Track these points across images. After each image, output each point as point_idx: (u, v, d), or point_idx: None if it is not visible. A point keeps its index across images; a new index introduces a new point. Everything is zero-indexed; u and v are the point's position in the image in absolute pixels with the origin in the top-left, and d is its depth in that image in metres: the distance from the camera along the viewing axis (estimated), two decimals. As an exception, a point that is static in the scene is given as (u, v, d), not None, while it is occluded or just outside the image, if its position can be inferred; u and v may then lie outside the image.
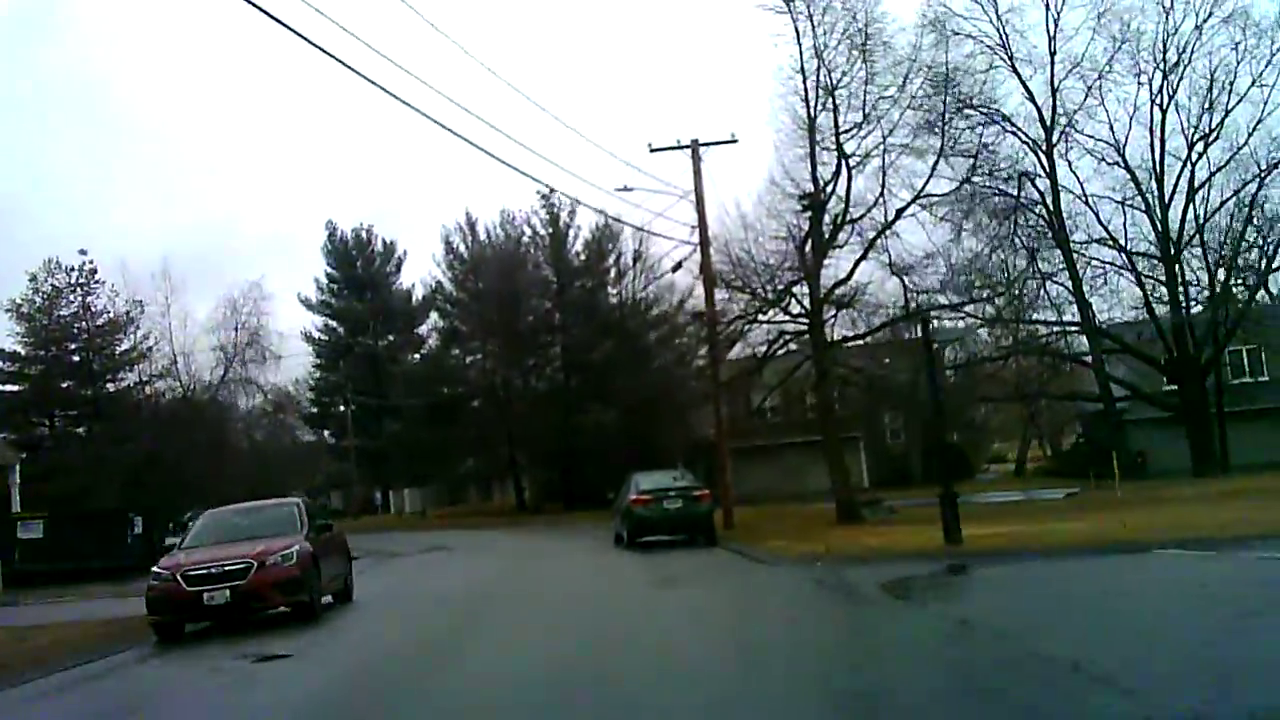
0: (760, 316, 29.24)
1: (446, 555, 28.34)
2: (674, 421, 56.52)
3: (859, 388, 32.62)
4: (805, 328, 28.91)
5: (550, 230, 57.37)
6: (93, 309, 46.65)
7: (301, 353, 64.18)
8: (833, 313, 28.85)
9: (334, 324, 69.63)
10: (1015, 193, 33.54)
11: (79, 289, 46.38)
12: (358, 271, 70.19)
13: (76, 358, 46.10)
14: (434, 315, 64.51)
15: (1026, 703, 6.95)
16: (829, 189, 27.50)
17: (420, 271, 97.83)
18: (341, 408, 64.58)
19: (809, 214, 27.30)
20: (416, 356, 65.45)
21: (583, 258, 57.29)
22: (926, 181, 27.41)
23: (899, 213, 26.88)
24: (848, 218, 27.41)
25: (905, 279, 27.00)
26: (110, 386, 46.25)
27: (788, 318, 29.28)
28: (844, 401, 45.89)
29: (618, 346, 56.23)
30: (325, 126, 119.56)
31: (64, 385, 46.03)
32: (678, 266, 27.84)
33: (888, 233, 27.07)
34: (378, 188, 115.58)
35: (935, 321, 27.19)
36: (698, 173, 27.45)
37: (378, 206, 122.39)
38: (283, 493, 75.73)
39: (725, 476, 26.79)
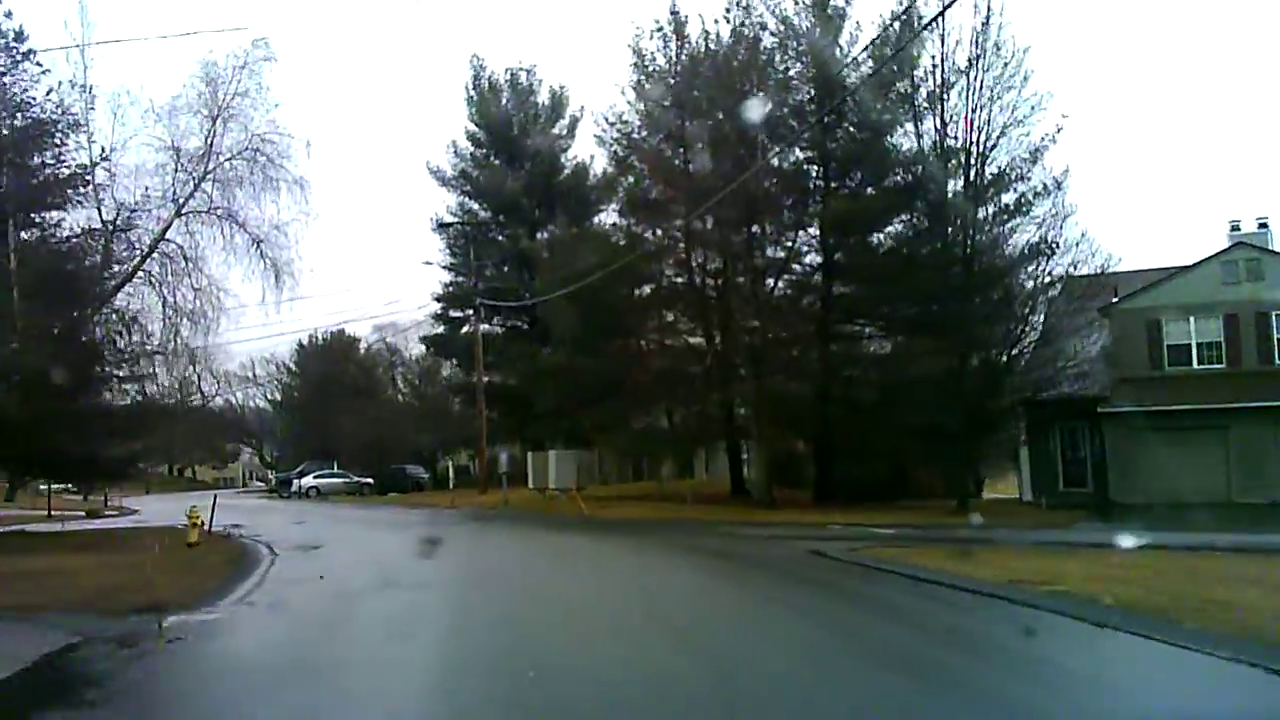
0: None
1: None
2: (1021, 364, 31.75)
3: None
4: None
5: (813, 20, 33.29)
6: (20, 102, 26.50)
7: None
8: None
9: (475, 205, 47.72)
10: None
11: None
12: (512, 132, 48.04)
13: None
14: (620, 191, 40.89)
15: None
16: None
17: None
18: (478, 327, 42.33)
19: None
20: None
21: (866, 68, 32.66)
22: None
23: None
24: None
25: None
26: (29, 232, 25.73)
27: None
28: None
29: (925, 225, 31.72)
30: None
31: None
32: None
33: None
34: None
35: None
36: None
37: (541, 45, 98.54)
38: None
39: None
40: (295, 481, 58.36)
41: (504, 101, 48.98)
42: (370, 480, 55.51)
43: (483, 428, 41.29)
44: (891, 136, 33.51)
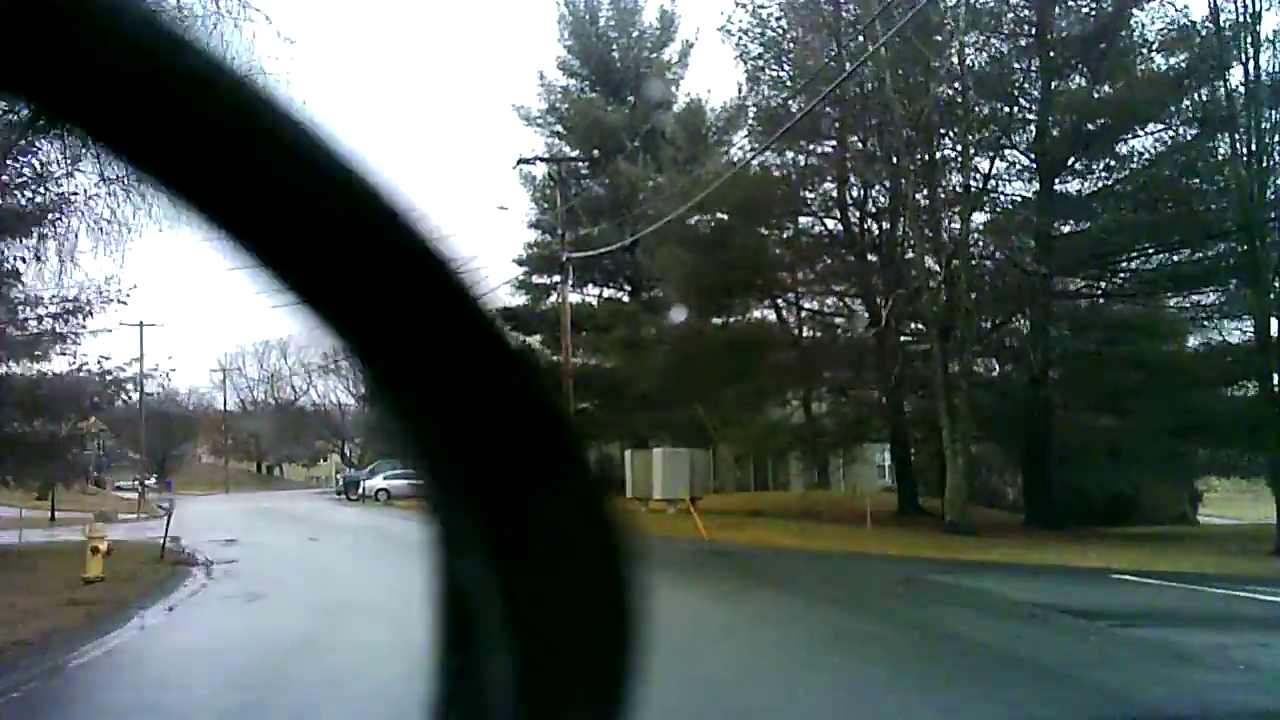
0: None
1: None
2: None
3: None
4: None
5: None
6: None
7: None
8: None
9: (566, 148, 39.11)
10: None
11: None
12: (611, 58, 39.46)
13: None
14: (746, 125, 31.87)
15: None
16: None
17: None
18: (564, 289, 33.55)
19: None
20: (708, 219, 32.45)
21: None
22: None
23: None
24: None
25: None
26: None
27: None
28: None
29: (1195, 134, 22.00)
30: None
31: None
32: None
33: None
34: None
35: None
36: None
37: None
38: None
39: None
40: (363, 483, 51.22)
41: (603, 22, 40.33)
42: (443, 482, 47.66)
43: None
44: (1142, 9, 23.68)
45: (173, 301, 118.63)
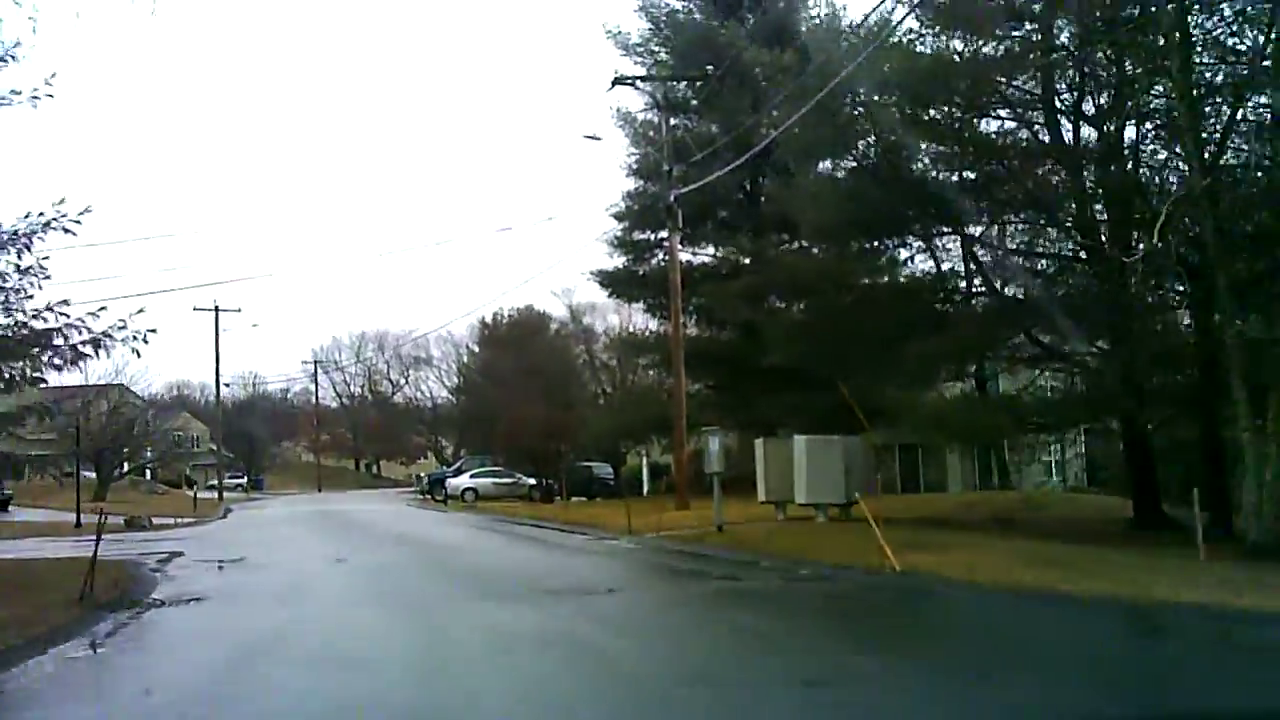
0: None
1: None
2: None
3: None
4: None
5: None
6: None
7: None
8: None
9: (672, 79, 32.30)
10: None
11: None
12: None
13: None
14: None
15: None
16: None
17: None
18: (673, 241, 26.76)
19: None
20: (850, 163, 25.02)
21: None
22: None
23: None
24: None
25: None
26: None
27: None
28: None
29: None
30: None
31: None
32: None
33: None
34: None
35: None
36: None
37: None
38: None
39: None
40: (448, 482, 45.87)
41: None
42: (533, 481, 42.10)
43: (681, 401, 25.52)
44: None
45: (266, 293, 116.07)
